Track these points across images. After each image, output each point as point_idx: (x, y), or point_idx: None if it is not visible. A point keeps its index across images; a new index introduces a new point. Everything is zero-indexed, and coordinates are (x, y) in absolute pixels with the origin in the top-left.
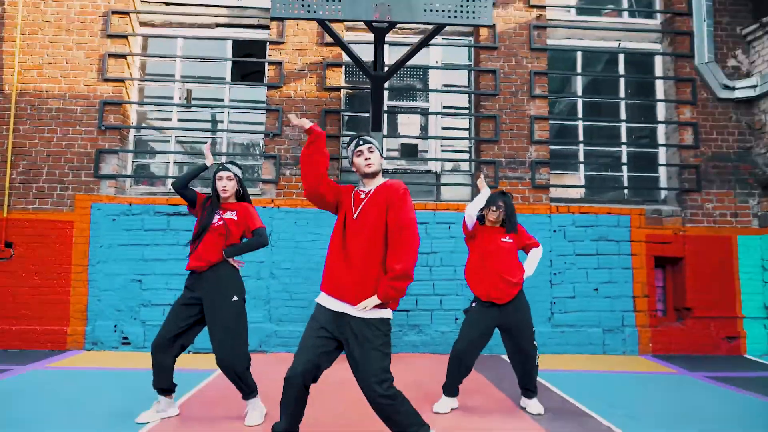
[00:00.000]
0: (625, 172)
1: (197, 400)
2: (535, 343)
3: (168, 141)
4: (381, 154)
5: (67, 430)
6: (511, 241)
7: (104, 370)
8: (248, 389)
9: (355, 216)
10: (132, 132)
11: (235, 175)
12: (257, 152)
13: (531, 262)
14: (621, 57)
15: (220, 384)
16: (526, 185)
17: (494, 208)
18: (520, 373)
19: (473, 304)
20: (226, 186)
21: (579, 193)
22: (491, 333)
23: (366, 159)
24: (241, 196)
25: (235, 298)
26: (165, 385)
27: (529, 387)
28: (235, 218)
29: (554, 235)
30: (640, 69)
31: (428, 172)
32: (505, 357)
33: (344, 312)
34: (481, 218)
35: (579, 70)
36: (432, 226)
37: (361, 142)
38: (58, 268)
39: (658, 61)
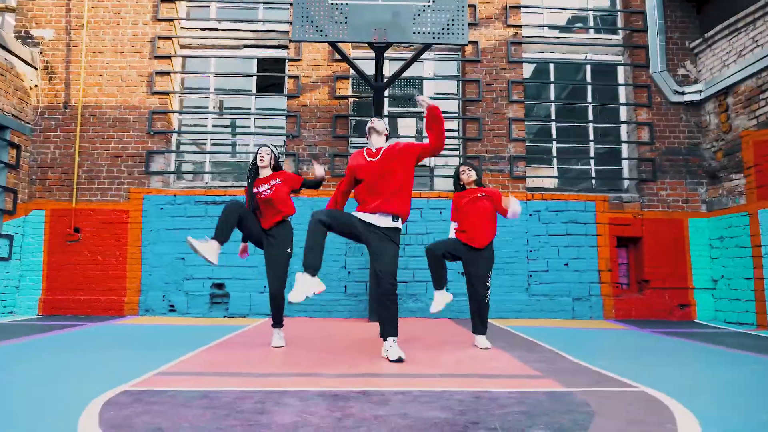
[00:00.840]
0: (592, 166)
1: (238, 337)
2: (488, 285)
3: (204, 143)
4: (386, 127)
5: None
6: (485, 195)
7: (155, 325)
8: (280, 318)
9: (376, 159)
10: (175, 136)
11: (270, 150)
12: (279, 151)
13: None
14: (588, 68)
15: (251, 331)
16: (505, 176)
17: (467, 168)
18: (474, 309)
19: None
20: (264, 157)
21: (552, 183)
22: (458, 255)
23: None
24: (276, 167)
25: (288, 250)
26: (225, 236)
27: (477, 324)
28: (281, 182)
29: (530, 219)
30: (605, 77)
31: (423, 166)
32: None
33: (371, 222)
34: (458, 185)
35: (552, 78)
36: (426, 211)
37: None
38: (116, 248)
39: (620, 70)
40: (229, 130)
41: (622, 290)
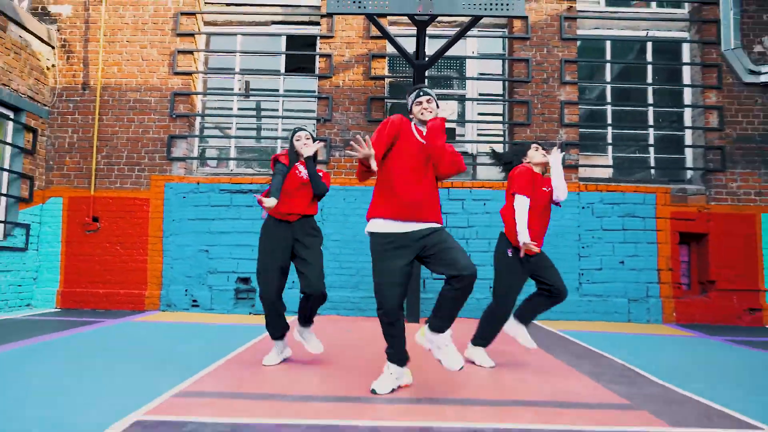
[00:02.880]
0: (651, 154)
1: (266, 341)
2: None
3: (230, 127)
4: (437, 105)
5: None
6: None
7: (177, 323)
8: (312, 319)
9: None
10: (198, 120)
11: (311, 136)
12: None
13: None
14: (649, 45)
15: None
16: None
17: (538, 147)
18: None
19: (510, 252)
20: (307, 143)
21: (607, 173)
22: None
23: (424, 108)
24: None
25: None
26: (281, 332)
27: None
28: (321, 175)
29: (582, 212)
30: (668, 56)
31: (465, 153)
32: (544, 325)
33: (423, 228)
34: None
35: (608, 58)
36: (468, 203)
37: (421, 94)
38: (136, 239)
39: (685, 48)
40: (255, 113)
41: (683, 291)
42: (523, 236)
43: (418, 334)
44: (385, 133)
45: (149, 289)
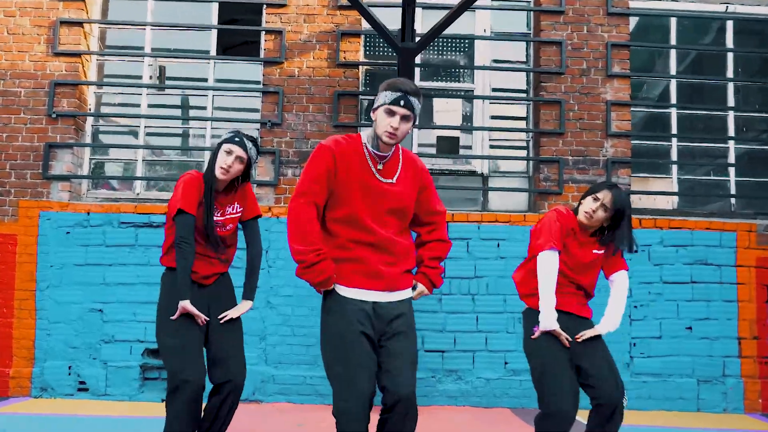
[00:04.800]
0: (732, 176)
1: None
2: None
3: (136, 132)
4: (416, 121)
5: None
6: (601, 255)
7: (54, 416)
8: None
9: (393, 180)
10: (90, 121)
11: (248, 157)
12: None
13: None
14: (729, 24)
15: None
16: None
17: (607, 197)
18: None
19: (536, 332)
20: (232, 167)
21: (670, 202)
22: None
23: (394, 128)
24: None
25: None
26: None
27: None
28: (241, 211)
29: (636, 257)
30: (756, 40)
31: (472, 173)
32: None
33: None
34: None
35: (673, 41)
36: (476, 243)
37: (402, 102)
38: None
39: None
40: (173, 112)
41: None
42: (547, 309)
43: None
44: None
45: (15, 366)
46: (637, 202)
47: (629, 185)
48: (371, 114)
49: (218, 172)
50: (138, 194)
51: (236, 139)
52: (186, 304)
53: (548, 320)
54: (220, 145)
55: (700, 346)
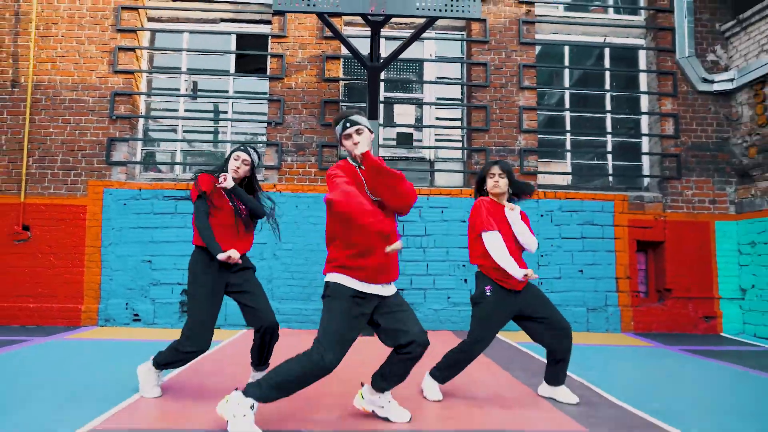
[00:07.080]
0: (609, 161)
1: (213, 358)
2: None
3: (175, 130)
4: (371, 130)
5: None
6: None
7: (115, 340)
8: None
9: (373, 200)
10: (141, 122)
11: (252, 161)
12: (260, 140)
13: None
14: (606, 51)
15: (226, 349)
16: (515, 172)
17: (499, 171)
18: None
19: (488, 292)
20: (239, 168)
21: (566, 180)
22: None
23: (354, 143)
24: (248, 183)
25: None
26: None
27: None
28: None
29: (541, 219)
30: (625, 63)
31: (422, 159)
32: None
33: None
34: (481, 191)
35: (567, 63)
36: (426, 210)
37: (348, 125)
38: (72, 249)
39: (642, 55)
40: (203, 115)
41: (641, 300)
42: (514, 270)
43: (356, 399)
44: (339, 174)
45: (86, 303)
46: (541, 179)
47: (536, 167)
48: (340, 145)
49: (230, 173)
50: (177, 176)
51: (242, 148)
52: (225, 254)
53: (517, 273)
54: (230, 153)
55: (589, 284)
